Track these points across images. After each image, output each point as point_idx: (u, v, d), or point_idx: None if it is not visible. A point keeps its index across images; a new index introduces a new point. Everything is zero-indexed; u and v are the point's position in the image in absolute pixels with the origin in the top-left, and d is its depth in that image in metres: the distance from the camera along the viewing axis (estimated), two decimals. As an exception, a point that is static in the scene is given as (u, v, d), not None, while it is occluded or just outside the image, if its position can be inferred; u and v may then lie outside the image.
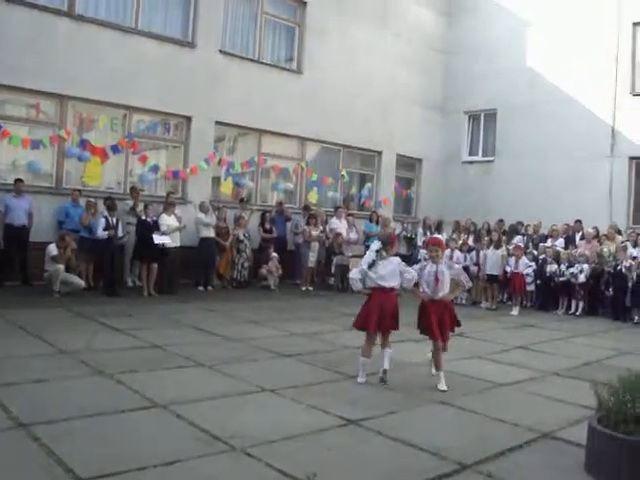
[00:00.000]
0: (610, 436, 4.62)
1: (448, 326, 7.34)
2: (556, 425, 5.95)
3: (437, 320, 7.17)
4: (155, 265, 13.62)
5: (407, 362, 8.37)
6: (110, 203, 13.38)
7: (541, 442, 5.52)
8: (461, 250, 15.91)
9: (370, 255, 7.29)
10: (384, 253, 7.22)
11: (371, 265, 7.18)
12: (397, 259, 7.37)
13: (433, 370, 7.42)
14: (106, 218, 13.13)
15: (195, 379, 6.99)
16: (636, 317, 13.73)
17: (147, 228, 13.59)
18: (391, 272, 7.19)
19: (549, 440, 5.59)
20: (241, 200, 16.77)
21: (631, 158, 18.08)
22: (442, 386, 7.06)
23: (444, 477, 4.61)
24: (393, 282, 7.20)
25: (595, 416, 4.94)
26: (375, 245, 7.37)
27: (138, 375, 6.92)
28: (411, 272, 7.29)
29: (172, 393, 6.26)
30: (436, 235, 14.58)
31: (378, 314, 7.10)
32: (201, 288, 14.83)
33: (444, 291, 7.30)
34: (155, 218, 13.86)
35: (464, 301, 15.08)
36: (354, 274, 7.44)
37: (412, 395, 6.81)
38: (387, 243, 7.33)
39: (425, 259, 16.49)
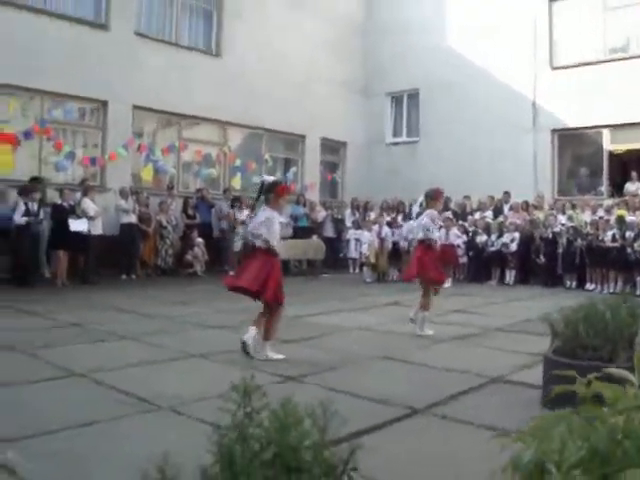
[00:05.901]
0: (568, 364, 4.31)
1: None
2: (506, 370, 5.66)
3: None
4: (67, 253, 12.86)
5: (340, 327, 8.04)
6: (30, 187, 12.60)
7: (493, 385, 5.23)
8: (390, 226, 15.65)
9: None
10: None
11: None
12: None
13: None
14: (26, 204, 12.32)
15: (118, 350, 6.44)
16: (568, 282, 13.73)
17: (64, 213, 12.81)
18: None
19: (501, 383, 5.30)
20: (169, 187, 16.18)
21: (553, 130, 18.14)
22: None
23: (395, 421, 4.23)
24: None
25: (550, 348, 4.65)
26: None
27: (54, 349, 6.32)
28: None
29: (92, 363, 5.69)
30: None
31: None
32: (124, 277, 14.13)
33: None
34: (72, 203, 13.08)
35: (395, 277, 14.83)
36: None
37: (351, 354, 6.43)
38: (432, 197, 8.07)
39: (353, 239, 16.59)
